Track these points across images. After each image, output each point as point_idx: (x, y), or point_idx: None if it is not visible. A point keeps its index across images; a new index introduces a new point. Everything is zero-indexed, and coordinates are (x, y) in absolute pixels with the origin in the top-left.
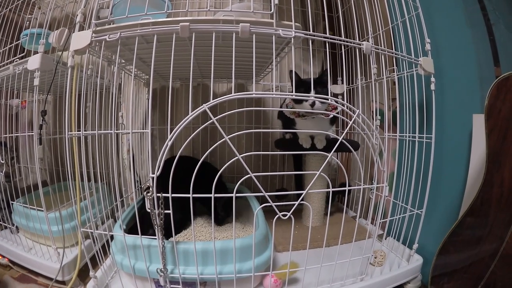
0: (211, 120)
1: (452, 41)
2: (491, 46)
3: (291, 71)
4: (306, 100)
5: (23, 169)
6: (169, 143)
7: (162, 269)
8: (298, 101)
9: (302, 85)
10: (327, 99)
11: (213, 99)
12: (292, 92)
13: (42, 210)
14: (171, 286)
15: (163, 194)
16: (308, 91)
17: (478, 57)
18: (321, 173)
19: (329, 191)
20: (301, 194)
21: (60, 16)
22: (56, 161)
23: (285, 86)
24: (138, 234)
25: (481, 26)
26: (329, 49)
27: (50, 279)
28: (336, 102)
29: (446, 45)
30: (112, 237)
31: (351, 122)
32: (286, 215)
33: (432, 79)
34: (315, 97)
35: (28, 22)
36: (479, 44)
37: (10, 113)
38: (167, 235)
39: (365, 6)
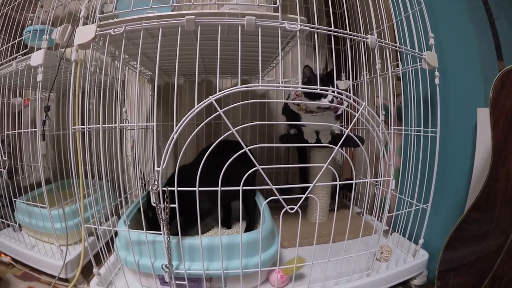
0: (218, 112)
1: (455, 36)
2: (494, 40)
3: (305, 66)
4: (325, 96)
5: (25, 168)
6: (175, 136)
7: (168, 265)
8: (312, 97)
9: (317, 80)
10: (347, 96)
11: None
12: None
13: (45, 207)
14: (176, 282)
15: (169, 188)
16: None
17: (481, 51)
18: (328, 166)
19: (335, 186)
20: (307, 188)
21: (62, 14)
22: (59, 158)
23: (289, 81)
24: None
25: (484, 20)
26: (333, 44)
27: (53, 276)
28: (341, 94)
29: (449, 40)
30: (116, 233)
31: (357, 115)
32: (293, 208)
33: (436, 73)
34: (333, 93)
35: (30, 21)
36: (482, 39)
37: (12, 112)
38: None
39: (368, 1)
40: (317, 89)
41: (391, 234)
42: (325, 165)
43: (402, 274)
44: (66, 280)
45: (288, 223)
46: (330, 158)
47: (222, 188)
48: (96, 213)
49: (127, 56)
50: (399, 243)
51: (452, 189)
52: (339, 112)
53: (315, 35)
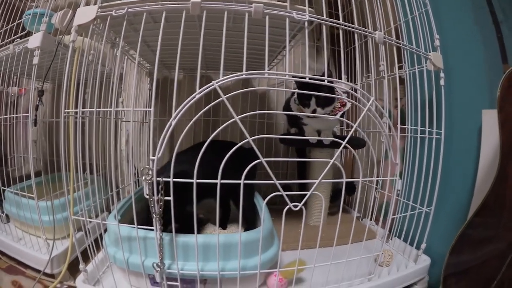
0: (221, 99)
1: (460, 39)
2: (499, 44)
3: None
4: (309, 106)
5: (18, 159)
6: (173, 123)
7: (159, 264)
8: (302, 103)
9: (306, 87)
10: (355, 90)
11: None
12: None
13: (33, 198)
14: (168, 282)
15: (164, 179)
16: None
17: (486, 54)
18: (335, 162)
19: (334, 190)
20: (306, 187)
21: (64, 4)
22: (52, 151)
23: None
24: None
25: (489, 24)
26: (343, 42)
27: (39, 271)
28: (345, 89)
29: (454, 43)
30: (105, 230)
31: (365, 110)
32: (296, 206)
33: (441, 74)
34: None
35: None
36: (487, 42)
37: (5, 100)
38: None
39: (372, 3)
40: (324, 80)
41: (391, 239)
42: (332, 160)
43: (404, 280)
44: (52, 276)
45: (287, 225)
46: (335, 157)
47: (222, 181)
48: (85, 206)
49: (126, 45)
50: (399, 248)
51: (455, 192)
52: (338, 115)
53: (323, 28)
